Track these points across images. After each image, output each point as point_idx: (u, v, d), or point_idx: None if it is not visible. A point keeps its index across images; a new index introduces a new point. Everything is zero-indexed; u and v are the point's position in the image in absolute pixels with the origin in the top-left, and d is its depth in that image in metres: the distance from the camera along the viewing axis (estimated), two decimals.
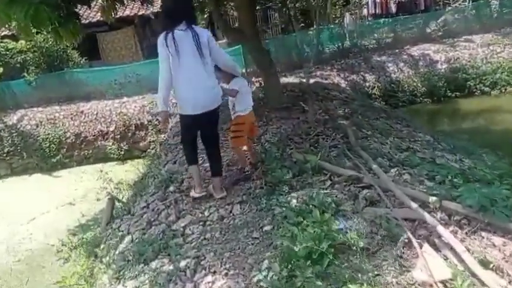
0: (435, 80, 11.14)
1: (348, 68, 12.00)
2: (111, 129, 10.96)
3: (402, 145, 4.66)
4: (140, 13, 14.11)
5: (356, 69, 11.83)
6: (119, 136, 10.89)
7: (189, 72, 3.40)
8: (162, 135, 10.67)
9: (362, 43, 13.78)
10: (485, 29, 13.51)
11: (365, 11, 24.41)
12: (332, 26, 15.63)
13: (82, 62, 13.86)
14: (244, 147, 4.19)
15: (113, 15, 8.14)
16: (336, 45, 13.72)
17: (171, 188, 4.36)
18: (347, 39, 13.94)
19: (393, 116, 7.05)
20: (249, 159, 4.25)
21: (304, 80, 9.22)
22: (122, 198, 6.82)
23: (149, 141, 10.77)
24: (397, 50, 12.69)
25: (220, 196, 3.78)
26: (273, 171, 3.95)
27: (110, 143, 10.87)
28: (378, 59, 12.23)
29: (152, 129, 10.80)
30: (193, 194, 3.87)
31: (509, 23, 13.69)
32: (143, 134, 10.90)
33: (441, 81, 11.10)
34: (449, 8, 22.28)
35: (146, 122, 10.92)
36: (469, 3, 19.34)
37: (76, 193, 8.88)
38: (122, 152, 10.81)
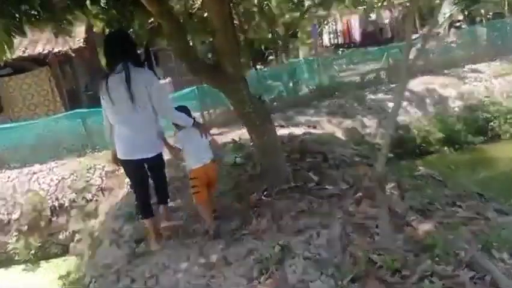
0: (452, 123, 9.39)
1: (338, 110, 9.98)
2: (14, 216, 7.99)
3: None
4: (56, 50, 11.42)
5: (350, 112, 9.82)
6: (26, 227, 7.92)
7: (121, 117, 3.46)
8: (92, 221, 7.92)
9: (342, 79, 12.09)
10: (480, 57, 12.24)
11: (326, 40, 23.33)
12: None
13: None
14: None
15: (9, 54, 5.52)
16: (314, 82, 11.85)
17: None
18: (305, 74, 12.18)
19: (458, 190, 4.90)
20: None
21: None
22: None
23: (73, 232, 7.95)
24: (393, 85, 10.94)
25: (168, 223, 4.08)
26: None
27: (14, 239, 7.86)
28: (373, 97, 10.37)
29: (77, 214, 7.98)
30: (153, 247, 3.92)
31: (505, 48, 12.57)
32: (63, 220, 8.05)
33: (459, 124, 9.37)
34: (417, 35, 21.66)
35: (67, 203, 8.09)
36: (446, 30, 18.65)
37: None
38: (32, 251, 7.83)
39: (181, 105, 4.14)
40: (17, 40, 12.20)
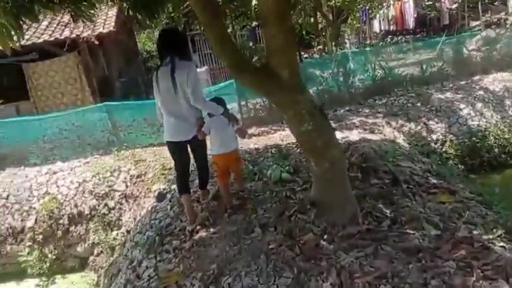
0: None
1: (398, 110, 8.60)
2: (29, 223, 7.11)
3: None
4: (85, 34, 10.51)
5: (412, 113, 8.41)
6: (41, 236, 7.04)
7: (166, 105, 3.95)
8: (114, 233, 6.99)
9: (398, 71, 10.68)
10: None
11: (376, 27, 21.63)
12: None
13: None
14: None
15: (17, 42, 4.67)
16: (367, 75, 10.46)
17: None
18: (357, 65, 10.76)
19: None
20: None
21: None
22: None
23: (93, 243, 7.02)
24: (463, 82, 9.44)
25: (204, 200, 4.54)
26: None
27: (26, 249, 7.00)
28: (441, 96, 8.89)
29: (98, 223, 7.05)
30: (188, 227, 4.15)
31: None
32: (82, 230, 7.11)
33: None
34: (477, 23, 19.70)
35: (87, 211, 7.15)
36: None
37: None
38: (47, 264, 6.93)
39: (217, 97, 4.58)
40: (44, 23, 11.27)
